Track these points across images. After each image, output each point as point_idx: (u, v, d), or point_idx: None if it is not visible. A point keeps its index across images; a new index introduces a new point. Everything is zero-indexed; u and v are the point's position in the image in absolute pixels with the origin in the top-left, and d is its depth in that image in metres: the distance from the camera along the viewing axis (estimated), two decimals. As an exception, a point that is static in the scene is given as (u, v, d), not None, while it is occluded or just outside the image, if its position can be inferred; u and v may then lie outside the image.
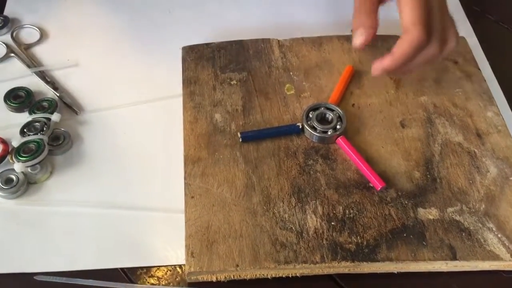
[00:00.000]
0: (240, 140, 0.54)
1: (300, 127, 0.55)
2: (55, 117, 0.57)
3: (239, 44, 0.64)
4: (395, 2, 0.48)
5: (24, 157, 0.53)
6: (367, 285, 0.49)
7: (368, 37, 0.51)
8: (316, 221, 0.50)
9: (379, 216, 0.50)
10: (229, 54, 0.63)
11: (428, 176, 0.53)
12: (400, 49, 0.47)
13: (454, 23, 0.49)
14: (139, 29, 0.68)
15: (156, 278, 0.49)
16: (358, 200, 0.51)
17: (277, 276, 0.48)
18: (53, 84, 0.62)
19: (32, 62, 0.64)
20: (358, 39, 0.51)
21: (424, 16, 0.45)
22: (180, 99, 0.58)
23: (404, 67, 0.50)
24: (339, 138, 0.55)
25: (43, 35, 0.67)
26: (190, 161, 0.54)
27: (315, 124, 0.55)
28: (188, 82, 0.60)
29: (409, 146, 0.55)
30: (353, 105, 0.59)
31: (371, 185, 0.52)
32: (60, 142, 0.56)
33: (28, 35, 0.68)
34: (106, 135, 0.58)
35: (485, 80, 0.62)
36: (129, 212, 0.52)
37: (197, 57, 0.62)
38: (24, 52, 0.65)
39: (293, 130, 0.56)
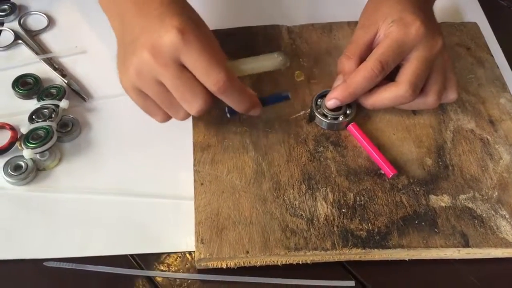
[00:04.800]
0: (228, 115, 0.53)
1: (290, 95, 0.54)
2: (63, 104, 0.57)
3: (248, 31, 0.63)
4: None
5: (33, 143, 0.53)
6: (378, 272, 0.49)
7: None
8: (327, 208, 0.50)
9: (391, 203, 0.50)
10: (238, 41, 0.62)
11: (440, 163, 0.53)
12: (384, 96, 0.52)
13: (455, 79, 0.54)
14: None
15: (165, 265, 0.49)
16: (369, 187, 0.51)
17: (288, 263, 0.48)
18: (61, 71, 0.62)
19: (40, 49, 0.64)
20: (336, 87, 0.53)
21: (418, 82, 0.50)
22: (189, 86, 0.58)
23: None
24: (350, 125, 0.54)
25: (50, 22, 0.67)
26: (199, 148, 0.53)
27: (325, 111, 0.54)
28: (197, 68, 0.60)
29: (421, 133, 0.55)
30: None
31: (382, 172, 0.52)
32: (69, 129, 0.56)
33: (36, 21, 0.67)
34: (115, 122, 0.58)
35: (497, 66, 0.61)
36: (139, 199, 0.52)
37: (206, 44, 0.62)
38: (31, 39, 0.65)
39: (282, 98, 0.54)
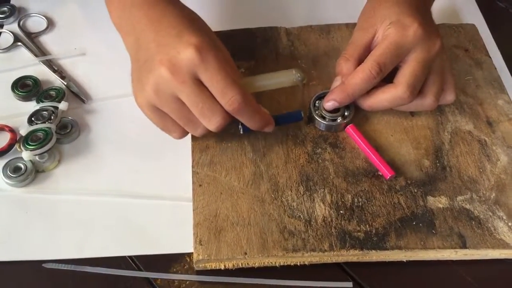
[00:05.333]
0: (241, 131, 0.53)
1: (303, 114, 0.54)
2: (62, 105, 0.57)
3: (247, 32, 0.63)
4: None
5: (32, 145, 0.53)
6: (376, 273, 0.49)
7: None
8: (325, 209, 0.50)
9: (388, 204, 0.50)
10: (237, 42, 0.62)
11: (438, 164, 0.53)
12: (382, 97, 0.52)
13: (453, 81, 0.54)
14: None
15: (164, 266, 0.49)
16: (367, 189, 0.51)
17: (285, 264, 0.48)
18: (60, 73, 0.62)
19: (39, 51, 0.64)
20: (334, 89, 0.53)
21: (416, 84, 0.50)
22: (188, 88, 0.58)
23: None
24: (348, 126, 0.54)
25: (50, 24, 0.67)
26: (198, 149, 0.54)
27: (323, 112, 0.55)
28: (196, 70, 0.60)
29: (419, 135, 0.55)
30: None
31: (380, 174, 0.52)
32: (68, 130, 0.56)
33: (35, 23, 0.67)
34: (114, 124, 0.58)
35: (495, 68, 0.61)
36: (137, 201, 0.52)
37: (205, 45, 0.62)
38: (31, 41, 0.65)
39: (295, 118, 0.55)
